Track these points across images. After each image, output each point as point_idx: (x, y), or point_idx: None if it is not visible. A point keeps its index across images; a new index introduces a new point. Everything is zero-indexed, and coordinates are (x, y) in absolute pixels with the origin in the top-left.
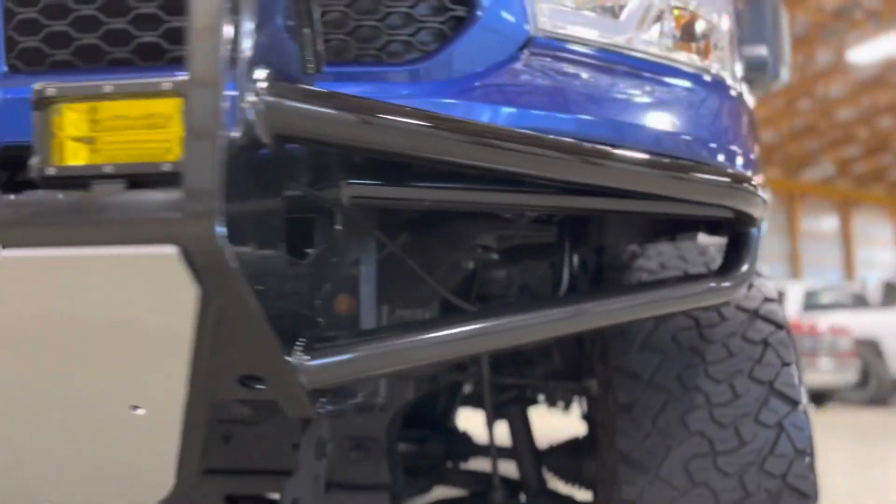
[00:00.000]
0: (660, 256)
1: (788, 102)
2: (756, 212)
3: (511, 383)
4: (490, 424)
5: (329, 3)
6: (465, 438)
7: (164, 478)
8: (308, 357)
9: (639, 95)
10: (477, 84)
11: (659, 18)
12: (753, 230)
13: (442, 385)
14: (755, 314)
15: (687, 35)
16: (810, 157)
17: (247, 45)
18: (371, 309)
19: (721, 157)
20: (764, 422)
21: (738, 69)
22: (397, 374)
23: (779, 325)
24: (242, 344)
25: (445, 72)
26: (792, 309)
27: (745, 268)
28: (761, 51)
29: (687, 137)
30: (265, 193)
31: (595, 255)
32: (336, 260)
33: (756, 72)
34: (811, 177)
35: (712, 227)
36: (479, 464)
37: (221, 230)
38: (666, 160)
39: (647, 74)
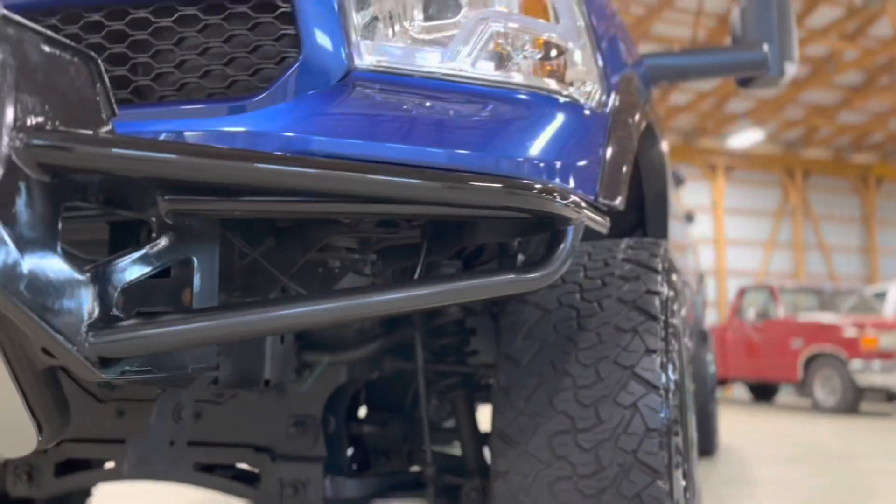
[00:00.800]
0: None
1: None
2: (564, 214)
3: (452, 370)
4: (425, 407)
5: (186, 53)
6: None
7: (28, 434)
8: (92, 334)
9: (449, 117)
10: (296, 114)
11: (488, 46)
12: (568, 230)
13: (388, 371)
14: (633, 305)
15: (524, 59)
16: None
17: (8, 92)
18: (209, 300)
19: (520, 169)
20: (621, 403)
21: (592, 87)
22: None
23: (652, 316)
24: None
25: (272, 104)
26: None
27: (548, 268)
28: (762, 49)
29: (481, 153)
30: (44, 212)
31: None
32: (158, 261)
33: (756, 69)
34: None
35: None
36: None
37: None
38: (438, 173)
39: (463, 97)
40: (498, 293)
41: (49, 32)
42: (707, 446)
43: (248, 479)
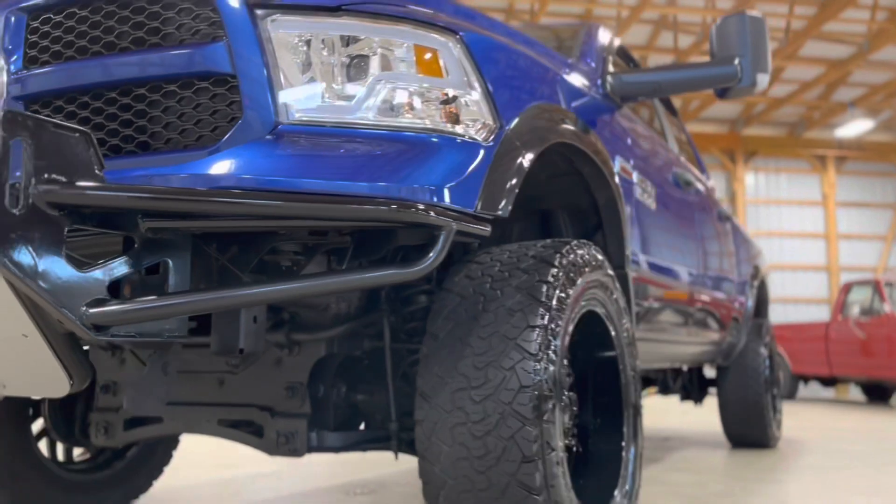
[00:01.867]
0: (492, 254)
1: None
2: (433, 223)
3: (418, 348)
4: (390, 379)
5: (168, 116)
6: (404, 392)
7: (62, 380)
8: (87, 310)
9: (355, 155)
10: (233, 160)
11: (388, 99)
12: (440, 236)
13: (367, 348)
14: (524, 292)
15: (418, 107)
16: None
17: (28, 160)
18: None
19: (413, 193)
20: (503, 366)
21: (479, 124)
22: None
23: (536, 300)
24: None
25: (220, 151)
26: None
27: (420, 265)
28: (734, 63)
29: (386, 183)
30: (53, 233)
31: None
32: (139, 263)
33: (729, 81)
34: None
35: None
36: None
37: None
38: (322, 197)
39: (368, 140)
40: (381, 283)
41: (55, 120)
42: (762, 438)
43: (256, 433)
